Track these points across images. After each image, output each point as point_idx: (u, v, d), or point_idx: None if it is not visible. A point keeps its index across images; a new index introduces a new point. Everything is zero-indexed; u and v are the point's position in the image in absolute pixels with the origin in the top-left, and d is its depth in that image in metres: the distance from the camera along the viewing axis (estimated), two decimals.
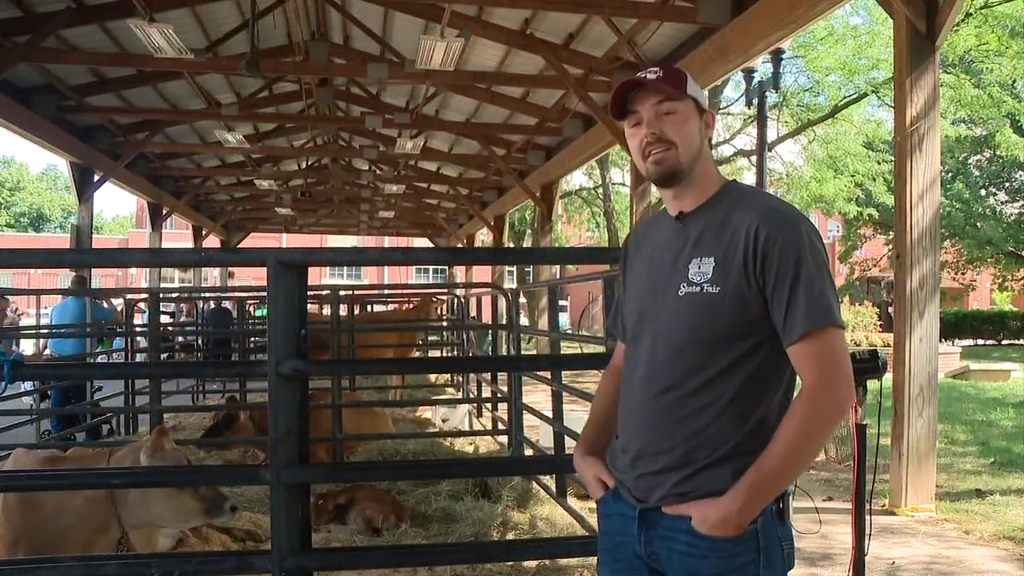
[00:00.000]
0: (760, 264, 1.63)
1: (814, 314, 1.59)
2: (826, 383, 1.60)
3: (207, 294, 13.80)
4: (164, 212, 19.21)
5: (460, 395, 10.51)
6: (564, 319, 37.34)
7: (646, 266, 1.82)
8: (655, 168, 1.74)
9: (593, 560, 4.05)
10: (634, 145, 1.78)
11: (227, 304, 14.74)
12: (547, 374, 6.00)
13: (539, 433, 7.28)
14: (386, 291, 18.55)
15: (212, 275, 29.56)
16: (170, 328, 13.88)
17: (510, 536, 4.82)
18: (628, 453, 1.77)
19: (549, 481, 5.71)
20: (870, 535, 2.71)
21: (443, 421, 8.88)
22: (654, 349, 1.72)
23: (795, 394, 1.75)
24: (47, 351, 9.56)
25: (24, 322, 14.91)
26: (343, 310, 8.69)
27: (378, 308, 16.53)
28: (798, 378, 1.71)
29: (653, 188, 11.73)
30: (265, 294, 2.48)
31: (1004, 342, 27.88)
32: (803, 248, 1.63)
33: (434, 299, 13.03)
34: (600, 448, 1.94)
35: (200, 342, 12.59)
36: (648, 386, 1.72)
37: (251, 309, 14.58)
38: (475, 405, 9.52)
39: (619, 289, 1.99)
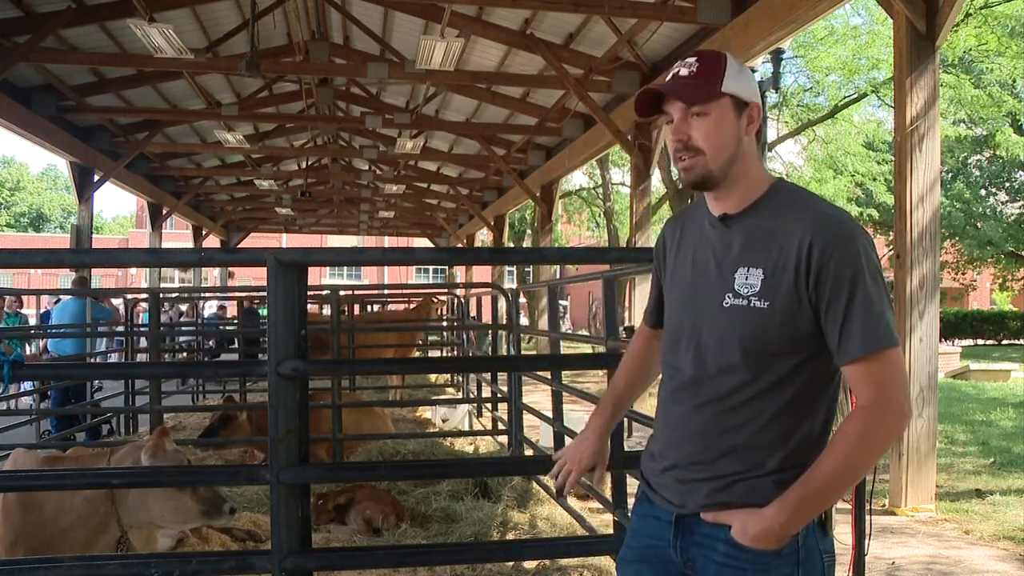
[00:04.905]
0: (814, 280, 1.53)
1: (872, 337, 1.50)
2: (883, 404, 1.50)
3: (229, 294, 13.70)
4: (164, 212, 19.21)
5: (460, 395, 10.50)
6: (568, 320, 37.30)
7: (689, 267, 1.71)
8: (684, 175, 1.65)
9: (593, 560, 4.08)
10: (669, 146, 1.69)
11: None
12: (547, 374, 5.99)
13: (539, 433, 7.28)
14: (386, 291, 18.58)
15: (212, 275, 29.57)
16: (174, 327, 13.85)
17: (510, 536, 4.81)
18: (663, 461, 1.71)
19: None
20: (870, 535, 2.71)
21: (443, 421, 8.87)
22: (701, 361, 1.64)
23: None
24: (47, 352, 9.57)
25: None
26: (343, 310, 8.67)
27: (378, 308, 16.53)
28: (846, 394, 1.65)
29: (652, 188, 11.79)
30: (265, 294, 2.48)
31: (1004, 342, 27.85)
32: (860, 263, 1.52)
33: (434, 299, 13.02)
34: (610, 427, 1.95)
35: (201, 342, 12.54)
36: (691, 397, 1.66)
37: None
38: (475, 405, 9.52)
39: (652, 280, 1.91)
